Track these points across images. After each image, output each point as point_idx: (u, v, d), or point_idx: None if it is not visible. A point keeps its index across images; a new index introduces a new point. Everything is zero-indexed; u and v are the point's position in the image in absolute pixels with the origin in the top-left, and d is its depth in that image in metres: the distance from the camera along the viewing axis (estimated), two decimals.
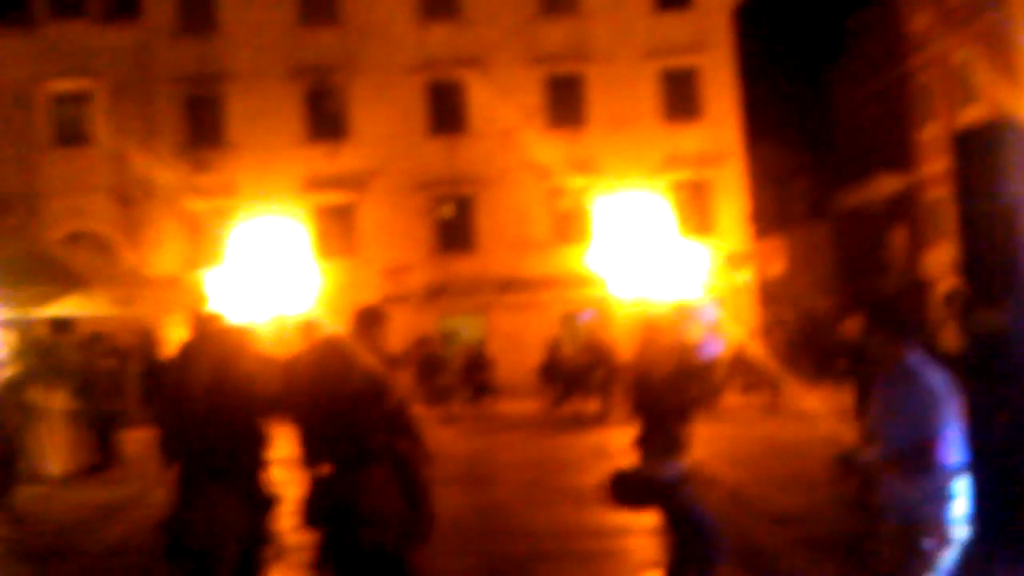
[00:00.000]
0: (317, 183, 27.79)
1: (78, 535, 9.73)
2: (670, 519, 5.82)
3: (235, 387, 5.26)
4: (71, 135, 28.06)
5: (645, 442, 5.80)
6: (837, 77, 37.03)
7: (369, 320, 5.72)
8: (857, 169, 33.41)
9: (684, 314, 6.04)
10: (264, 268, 26.66)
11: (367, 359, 5.14)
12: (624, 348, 21.16)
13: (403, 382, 5.74)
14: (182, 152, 27.62)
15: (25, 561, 8.73)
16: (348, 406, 4.97)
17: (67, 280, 13.17)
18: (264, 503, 5.37)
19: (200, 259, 27.10)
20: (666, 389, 5.68)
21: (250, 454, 5.32)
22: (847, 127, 36.12)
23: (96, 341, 16.16)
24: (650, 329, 6.08)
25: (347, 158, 27.88)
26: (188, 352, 8.49)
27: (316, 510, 5.11)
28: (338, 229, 27.99)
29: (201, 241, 27.38)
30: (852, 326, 15.37)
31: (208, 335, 6.93)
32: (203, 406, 5.48)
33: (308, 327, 7.66)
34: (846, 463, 4.42)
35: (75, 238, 26.83)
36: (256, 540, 5.35)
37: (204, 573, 5.14)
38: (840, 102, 36.78)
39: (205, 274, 26.16)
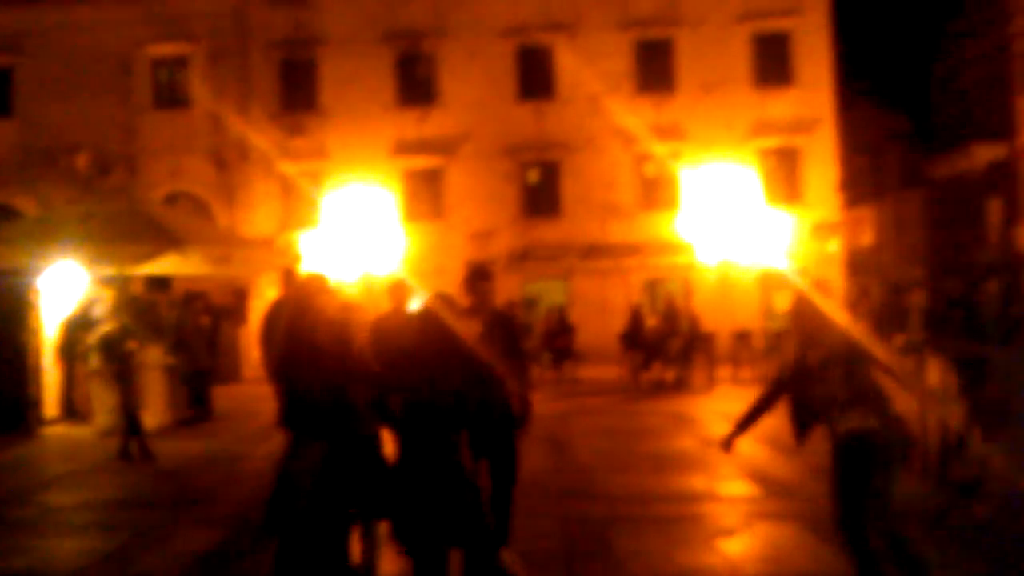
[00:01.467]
0: (406, 148, 28.08)
1: (171, 485, 10.14)
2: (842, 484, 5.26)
3: (308, 342, 5.38)
4: (170, 98, 28.81)
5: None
6: (936, 41, 35.91)
7: (480, 275, 6.19)
8: (954, 137, 32.48)
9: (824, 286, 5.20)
10: (354, 231, 27.15)
11: (463, 327, 5.21)
12: (706, 316, 21.18)
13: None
14: (276, 116, 28.21)
15: (127, 509, 9.14)
16: (442, 370, 5.05)
17: (164, 239, 13.60)
18: (373, 467, 5.52)
19: (293, 221, 27.77)
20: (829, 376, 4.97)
21: (336, 410, 5.43)
22: (945, 94, 35.08)
23: (192, 299, 16.73)
24: (805, 304, 5.23)
25: (436, 123, 28.09)
26: (275, 310, 8.76)
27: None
28: (426, 193, 28.27)
29: (294, 203, 27.98)
30: (918, 297, 15.04)
31: (291, 293, 7.16)
32: (281, 360, 5.69)
33: (395, 288, 7.86)
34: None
35: (173, 198, 27.63)
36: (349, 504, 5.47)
37: (275, 526, 5.31)
38: (938, 68, 35.71)
39: (297, 235, 26.78)
